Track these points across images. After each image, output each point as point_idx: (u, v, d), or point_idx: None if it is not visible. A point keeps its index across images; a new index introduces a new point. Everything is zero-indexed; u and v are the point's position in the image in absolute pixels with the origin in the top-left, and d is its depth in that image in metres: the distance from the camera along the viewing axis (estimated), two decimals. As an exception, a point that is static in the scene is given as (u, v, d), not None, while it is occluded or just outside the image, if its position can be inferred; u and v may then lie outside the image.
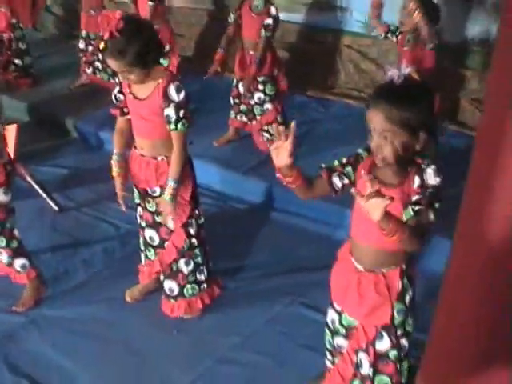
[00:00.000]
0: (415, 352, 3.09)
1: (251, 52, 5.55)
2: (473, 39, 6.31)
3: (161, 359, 3.86)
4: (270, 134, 5.70)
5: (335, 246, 3.14)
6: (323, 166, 2.86)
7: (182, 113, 3.53)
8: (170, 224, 3.87)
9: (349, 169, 2.82)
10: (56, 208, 5.31)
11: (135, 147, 3.82)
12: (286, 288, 4.41)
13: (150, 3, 6.15)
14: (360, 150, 2.83)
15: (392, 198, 2.42)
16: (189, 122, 3.59)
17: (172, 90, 3.51)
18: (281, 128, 2.66)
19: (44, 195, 5.34)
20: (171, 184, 3.64)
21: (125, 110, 3.76)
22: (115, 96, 3.76)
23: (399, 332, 2.98)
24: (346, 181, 2.82)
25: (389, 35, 5.14)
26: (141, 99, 3.60)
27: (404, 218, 2.63)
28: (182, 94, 3.53)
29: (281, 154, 2.64)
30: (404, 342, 3.02)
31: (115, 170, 3.88)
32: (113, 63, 3.43)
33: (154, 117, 3.60)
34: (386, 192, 2.60)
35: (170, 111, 3.52)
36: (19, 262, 4.14)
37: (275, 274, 4.55)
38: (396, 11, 5.08)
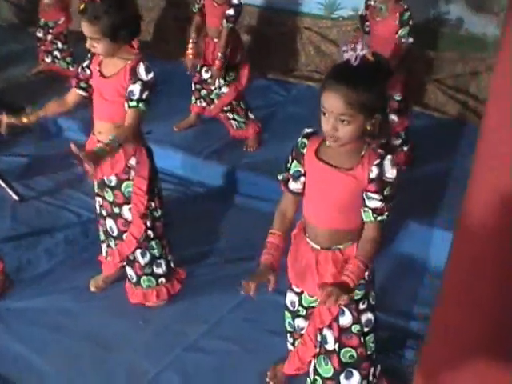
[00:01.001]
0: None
1: (215, 39, 5.50)
2: (436, 19, 6.34)
3: (128, 350, 3.82)
4: (238, 122, 5.68)
5: (300, 229, 3.10)
6: (279, 178, 2.91)
7: (146, 94, 3.47)
8: (128, 215, 3.82)
9: (294, 164, 2.83)
10: (16, 197, 5.21)
11: (93, 133, 3.74)
12: (251, 273, 4.38)
13: None
14: (298, 140, 2.82)
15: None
16: (149, 106, 3.53)
17: (141, 68, 3.46)
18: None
19: (3, 185, 5.24)
20: (109, 140, 3.41)
21: (82, 84, 3.71)
22: (82, 67, 3.71)
23: (363, 306, 3.00)
24: (302, 178, 2.83)
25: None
26: (106, 77, 3.55)
27: (364, 219, 2.74)
28: (151, 75, 3.48)
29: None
30: (369, 315, 3.04)
31: (26, 117, 3.83)
32: (85, 27, 3.39)
33: (116, 97, 3.53)
34: (338, 175, 2.67)
35: (135, 88, 3.45)
36: None
37: (240, 259, 4.50)
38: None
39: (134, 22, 3.53)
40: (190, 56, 5.61)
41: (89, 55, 3.70)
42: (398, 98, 4.98)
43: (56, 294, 4.19)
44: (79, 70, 3.73)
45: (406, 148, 5.23)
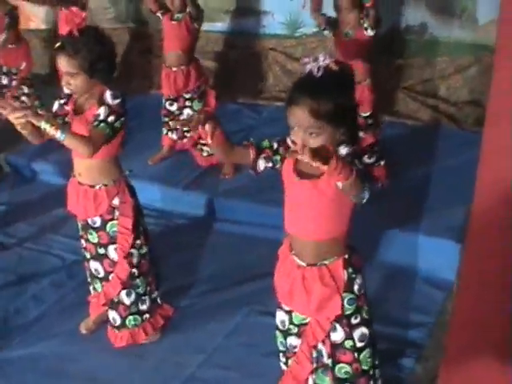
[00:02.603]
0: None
1: (174, 68, 5.64)
2: (400, 27, 6.43)
3: (127, 387, 3.83)
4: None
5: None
6: (252, 141, 2.83)
7: (111, 118, 3.44)
8: (114, 255, 3.83)
9: (277, 158, 2.79)
10: (-5, 247, 5.22)
11: (74, 175, 3.76)
12: (241, 298, 4.42)
13: None
14: (290, 142, 2.71)
15: None
16: (114, 133, 3.47)
17: (108, 94, 3.48)
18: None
19: (-20, 236, 5.24)
20: (58, 134, 3.23)
21: (58, 119, 3.57)
22: (60, 104, 3.66)
23: (355, 321, 2.98)
24: (270, 164, 2.80)
25: (327, 28, 5.09)
26: (80, 113, 3.56)
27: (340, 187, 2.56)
28: (117, 101, 3.48)
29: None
30: (364, 330, 3.01)
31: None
32: (63, 61, 3.42)
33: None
34: (312, 184, 2.64)
35: (101, 111, 3.44)
36: None
37: (229, 286, 4.55)
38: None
39: (111, 59, 3.58)
40: None
41: (65, 93, 3.72)
42: (364, 114, 5.02)
43: (49, 340, 4.19)
44: (56, 107, 3.67)
45: (382, 163, 5.28)
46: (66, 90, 3.65)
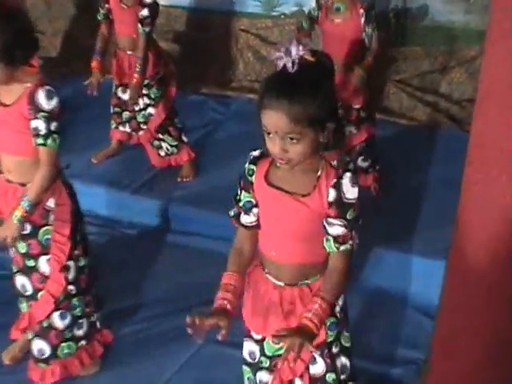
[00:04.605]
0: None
1: (128, 52, 5.53)
2: (395, 10, 6.41)
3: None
4: (169, 145, 5.66)
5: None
6: (230, 215, 2.88)
7: (53, 125, 3.44)
8: (45, 268, 3.74)
9: (244, 195, 2.81)
10: None
11: (1, 172, 3.70)
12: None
13: None
14: (245, 166, 2.79)
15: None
16: (59, 136, 3.50)
17: (41, 95, 3.41)
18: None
19: None
20: (25, 205, 3.49)
21: None
22: None
23: (335, 350, 2.99)
24: (255, 210, 2.81)
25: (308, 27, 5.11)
26: (6, 105, 3.50)
27: (327, 249, 2.70)
28: (54, 102, 3.43)
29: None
30: (343, 360, 3.03)
31: None
32: None
33: (21, 127, 3.48)
34: (294, 203, 2.64)
35: (39, 123, 3.41)
36: None
37: (182, 309, 4.42)
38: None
39: (29, 37, 3.50)
40: (95, 71, 5.50)
41: None
42: (356, 106, 5.03)
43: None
44: None
45: (377, 167, 5.27)
46: None
